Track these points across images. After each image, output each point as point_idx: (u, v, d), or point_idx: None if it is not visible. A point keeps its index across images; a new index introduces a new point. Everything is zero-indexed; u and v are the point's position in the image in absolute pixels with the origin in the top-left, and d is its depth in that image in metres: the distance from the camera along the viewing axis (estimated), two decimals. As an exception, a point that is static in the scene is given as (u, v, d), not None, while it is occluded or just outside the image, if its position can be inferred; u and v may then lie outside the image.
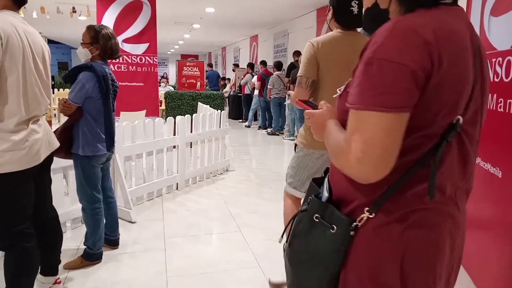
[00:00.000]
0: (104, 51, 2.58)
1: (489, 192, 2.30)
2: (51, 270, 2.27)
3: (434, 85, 0.83)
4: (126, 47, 6.41)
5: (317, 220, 0.98)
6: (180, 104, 7.23)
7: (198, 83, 8.34)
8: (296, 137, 6.22)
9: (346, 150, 0.86)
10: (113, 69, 6.13)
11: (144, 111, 5.76)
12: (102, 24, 2.70)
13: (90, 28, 2.59)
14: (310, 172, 2.28)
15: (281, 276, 2.43)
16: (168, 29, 12.67)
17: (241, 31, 13.33)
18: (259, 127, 10.22)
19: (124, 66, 6.47)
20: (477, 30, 2.52)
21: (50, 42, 17.06)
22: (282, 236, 1.20)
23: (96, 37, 2.55)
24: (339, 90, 1.04)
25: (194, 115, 4.70)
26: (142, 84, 6.58)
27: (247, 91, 11.30)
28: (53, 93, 10.44)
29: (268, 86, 9.18)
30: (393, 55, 0.81)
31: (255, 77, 10.26)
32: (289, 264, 1.09)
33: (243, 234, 3.31)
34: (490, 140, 2.24)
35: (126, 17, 6.44)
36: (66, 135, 2.49)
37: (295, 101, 2.26)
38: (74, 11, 9.04)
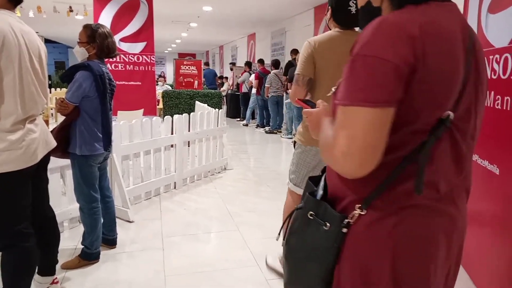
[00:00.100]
0: (101, 50, 2.57)
1: (486, 190, 2.30)
2: (48, 270, 2.27)
3: (419, 80, 0.83)
4: (123, 46, 6.38)
5: (311, 217, 0.99)
6: (178, 103, 7.22)
7: (196, 82, 8.34)
8: (294, 135, 6.22)
9: (332, 146, 0.87)
10: (110, 68, 6.13)
11: (141, 110, 5.74)
12: (99, 23, 2.69)
13: (86, 27, 2.58)
14: (309, 169, 2.34)
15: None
16: (165, 28, 12.64)
17: (238, 29, 13.31)
18: (257, 126, 10.22)
19: (121, 65, 6.44)
20: (475, 27, 2.52)
21: (47, 41, 17.02)
22: (279, 234, 1.21)
23: (93, 36, 2.55)
24: (333, 88, 1.04)
25: (191, 114, 4.69)
26: (140, 83, 6.55)
27: (244, 89, 11.30)
28: (50, 92, 10.43)
29: (266, 85, 9.17)
30: (376, 50, 0.82)
31: (253, 75, 10.27)
32: (285, 261, 1.10)
33: (241, 232, 3.31)
34: (488, 137, 2.24)
35: (123, 16, 6.41)
36: (63, 135, 2.49)
37: (294, 99, 2.30)
38: (71, 10, 9.01)
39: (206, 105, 6.26)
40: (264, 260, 2.78)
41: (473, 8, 2.65)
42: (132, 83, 6.50)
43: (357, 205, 0.91)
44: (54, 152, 2.20)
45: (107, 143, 2.64)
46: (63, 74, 2.58)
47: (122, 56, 6.39)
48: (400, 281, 0.90)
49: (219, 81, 13.76)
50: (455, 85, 0.87)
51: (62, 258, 2.57)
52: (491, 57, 2.32)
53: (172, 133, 4.37)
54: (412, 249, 0.90)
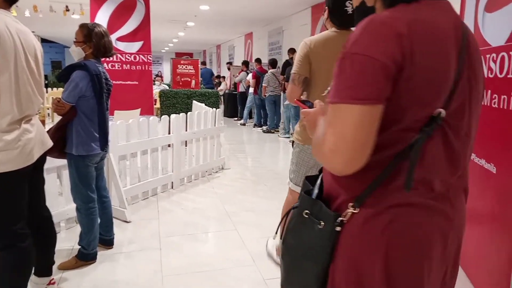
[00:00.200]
0: (97, 49, 2.56)
1: (484, 188, 2.30)
2: (45, 270, 2.26)
3: (407, 78, 0.83)
4: (120, 46, 6.37)
5: (306, 216, 0.99)
6: (175, 102, 7.20)
7: (193, 81, 8.33)
8: (291, 134, 6.24)
9: (322, 143, 0.88)
10: (107, 67, 6.09)
11: (138, 110, 5.73)
12: (95, 23, 2.68)
13: (83, 26, 2.57)
14: (307, 168, 2.37)
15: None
16: (162, 27, 12.62)
17: (235, 28, 13.31)
18: (254, 125, 10.21)
19: (118, 65, 6.43)
20: (471, 26, 2.53)
21: (43, 41, 16.94)
22: (276, 233, 1.21)
23: (89, 35, 2.53)
24: (329, 87, 1.04)
25: (189, 113, 4.68)
26: (137, 83, 6.54)
27: (242, 89, 11.29)
28: (47, 92, 10.39)
29: (263, 84, 9.17)
30: (364, 49, 0.83)
31: (250, 75, 10.26)
32: (282, 260, 1.10)
33: (239, 232, 3.30)
34: (485, 136, 2.25)
35: (120, 16, 6.40)
36: (59, 135, 2.48)
37: (290, 98, 2.32)
38: (67, 9, 8.98)
39: (203, 104, 6.25)
40: (262, 259, 2.78)
41: (470, 7, 2.65)
42: (129, 82, 6.49)
43: (350, 204, 0.91)
44: (50, 152, 2.19)
45: (104, 143, 2.63)
46: (59, 74, 2.57)
47: (119, 55, 6.38)
48: (393, 279, 0.90)
49: (216, 80, 13.74)
50: (444, 83, 0.87)
51: (59, 258, 2.56)
52: (488, 56, 2.32)
53: (169, 133, 4.36)
54: (405, 247, 0.90)
